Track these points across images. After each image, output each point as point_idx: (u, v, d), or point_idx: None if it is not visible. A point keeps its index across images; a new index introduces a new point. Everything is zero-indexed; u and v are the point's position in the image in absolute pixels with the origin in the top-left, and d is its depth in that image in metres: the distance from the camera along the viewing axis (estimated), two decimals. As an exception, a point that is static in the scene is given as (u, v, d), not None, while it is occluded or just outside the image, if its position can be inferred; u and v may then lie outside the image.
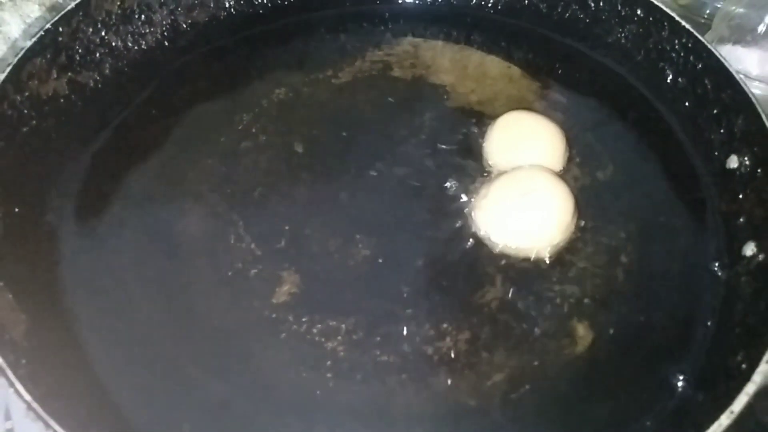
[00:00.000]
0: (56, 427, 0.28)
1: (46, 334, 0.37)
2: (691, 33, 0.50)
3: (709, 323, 0.42)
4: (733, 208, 0.45)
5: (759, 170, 0.43)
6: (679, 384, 0.39)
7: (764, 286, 0.39)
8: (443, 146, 0.51)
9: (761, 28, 0.59)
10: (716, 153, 0.48)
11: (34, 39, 0.44)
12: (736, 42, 0.60)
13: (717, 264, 0.44)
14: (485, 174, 0.49)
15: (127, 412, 0.37)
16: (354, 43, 0.59)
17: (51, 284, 0.41)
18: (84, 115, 0.48)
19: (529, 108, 0.52)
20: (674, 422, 0.36)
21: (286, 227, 0.46)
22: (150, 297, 0.42)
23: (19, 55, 0.43)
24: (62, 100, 0.47)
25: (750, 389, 0.31)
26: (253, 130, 0.52)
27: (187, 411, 0.38)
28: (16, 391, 0.29)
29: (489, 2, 0.61)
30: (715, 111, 0.49)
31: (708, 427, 0.30)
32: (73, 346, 0.38)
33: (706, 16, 0.66)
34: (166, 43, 0.55)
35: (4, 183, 0.41)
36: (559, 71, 0.54)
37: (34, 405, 0.29)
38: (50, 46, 0.46)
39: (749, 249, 0.42)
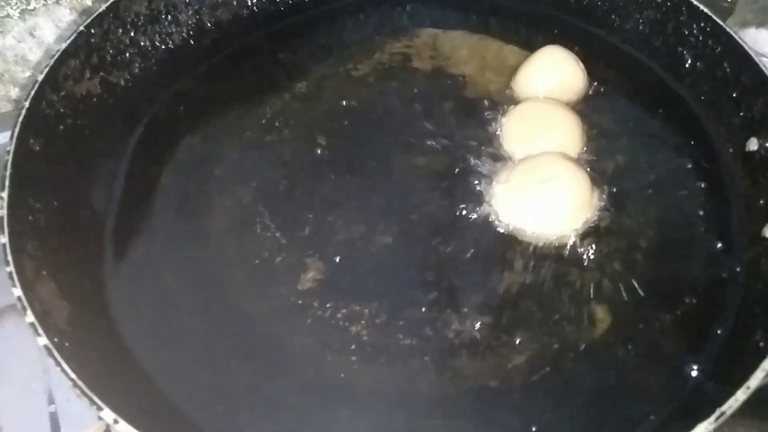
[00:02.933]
0: (100, 403, 0.30)
1: (86, 320, 0.39)
2: (710, 17, 0.50)
3: (728, 307, 0.42)
4: (753, 191, 0.46)
5: (779, 152, 0.43)
6: (693, 374, 0.39)
7: (784, 266, 0.40)
8: (463, 136, 0.51)
9: (785, 11, 0.58)
10: (736, 136, 0.48)
11: (68, 41, 0.46)
12: (760, 25, 0.60)
13: (737, 246, 0.44)
14: (504, 161, 0.49)
15: (166, 394, 0.39)
16: (373, 36, 0.60)
17: (89, 273, 0.43)
18: (116, 113, 0.51)
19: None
20: (688, 408, 0.37)
21: (310, 216, 0.47)
22: (182, 285, 0.44)
23: (55, 57, 0.45)
24: (95, 99, 0.49)
25: (767, 365, 0.32)
26: (277, 124, 0.53)
27: (219, 393, 0.39)
28: (63, 370, 0.31)
29: (507, -12, 0.62)
30: (734, 94, 0.49)
31: (725, 401, 0.31)
32: (112, 332, 0.41)
33: (729, 1, 0.65)
34: (192, 42, 0.57)
35: (45, 179, 0.43)
36: (580, 57, 0.54)
37: (79, 383, 0.31)
38: (83, 48, 0.48)
39: (769, 230, 0.42)
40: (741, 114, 0.48)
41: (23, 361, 0.48)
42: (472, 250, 0.45)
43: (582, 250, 0.45)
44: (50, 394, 0.47)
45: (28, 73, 0.69)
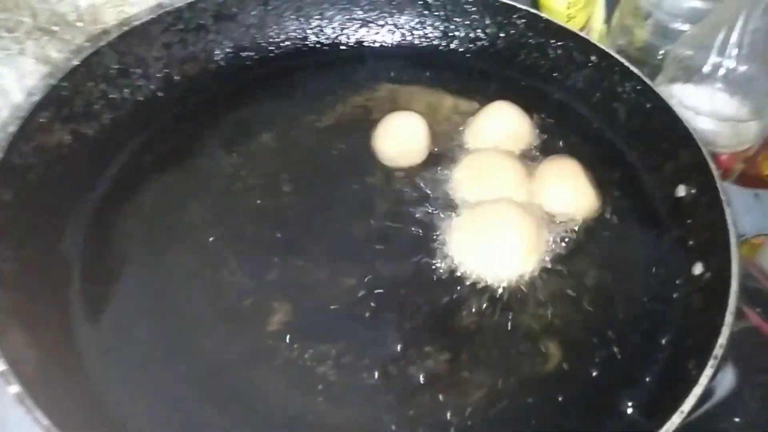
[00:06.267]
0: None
1: (55, 368, 0.40)
2: (639, 76, 0.55)
3: (664, 342, 0.45)
4: (683, 232, 0.50)
5: (702, 198, 0.48)
6: (629, 410, 0.42)
7: (711, 300, 0.44)
8: (419, 183, 0.55)
9: (706, 69, 0.64)
10: (667, 183, 0.53)
11: (41, 94, 0.48)
12: (686, 81, 0.66)
13: (673, 283, 0.49)
14: (457, 207, 0.53)
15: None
16: (336, 89, 0.63)
17: (57, 321, 0.43)
18: (86, 163, 0.52)
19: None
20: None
21: (276, 260, 0.49)
22: (150, 331, 0.45)
23: (28, 110, 0.47)
24: (65, 150, 0.50)
25: (697, 391, 0.35)
26: (243, 173, 0.55)
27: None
28: (35, 418, 0.32)
29: (459, 48, 0.67)
30: (664, 146, 0.54)
31: (662, 425, 0.34)
32: (81, 380, 0.41)
33: (659, 57, 0.71)
34: (160, 94, 0.59)
35: (14, 228, 0.44)
36: (526, 109, 0.59)
37: (53, 429, 0.32)
38: (55, 100, 0.49)
39: (698, 269, 0.47)
40: (670, 164, 0.53)
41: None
42: (430, 291, 0.48)
43: (533, 289, 0.48)
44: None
45: (-12, 120, 0.69)
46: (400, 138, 0.56)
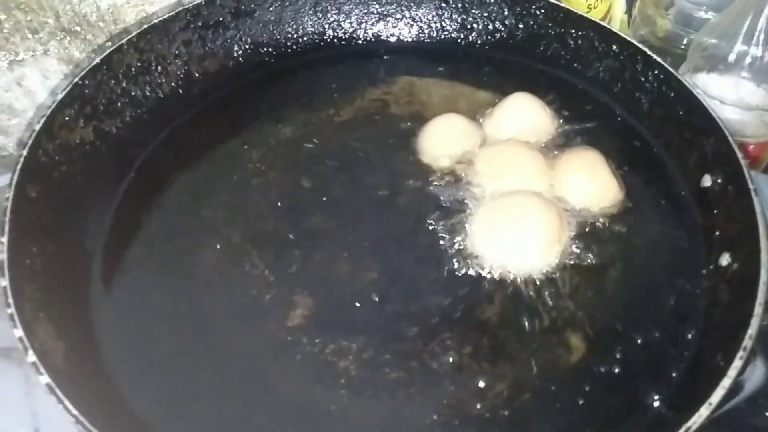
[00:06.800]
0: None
1: (81, 359, 0.40)
2: (662, 65, 0.54)
3: (691, 334, 0.45)
4: (709, 223, 0.49)
5: (729, 187, 0.47)
6: (655, 404, 0.41)
7: (738, 291, 0.43)
8: (439, 175, 0.54)
9: (732, 57, 0.63)
10: (692, 173, 0.52)
11: (64, 92, 0.49)
12: (710, 71, 0.64)
13: (698, 274, 0.48)
14: (477, 200, 0.52)
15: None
16: (354, 84, 0.63)
17: (82, 313, 0.44)
18: (108, 159, 0.52)
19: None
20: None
21: (297, 254, 0.49)
22: (173, 324, 0.45)
23: (51, 108, 0.47)
24: (88, 147, 0.51)
25: (726, 383, 0.35)
26: (263, 168, 0.56)
27: (211, 428, 0.40)
28: (65, 407, 0.32)
29: (477, 40, 0.66)
30: (688, 135, 0.53)
31: (689, 418, 0.33)
32: (105, 371, 0.42)
33: (683, 47, 0.70)
34: (180, 91, 0.59)
35: (40, 224, 0.45)
36: (546, 100, 0.59)
37: (81, 419, 0.32)
38: (78, 98, 0.50)
39: (725, 259, 0.46)
40: (695, 153, 0.52)
41: (9, 407, 0.48)
42: (451, 284, 0.47)
43: (555, 282, 0.48)
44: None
45: (14, 121, 0.70)
46: (449, 141, 0.56)
